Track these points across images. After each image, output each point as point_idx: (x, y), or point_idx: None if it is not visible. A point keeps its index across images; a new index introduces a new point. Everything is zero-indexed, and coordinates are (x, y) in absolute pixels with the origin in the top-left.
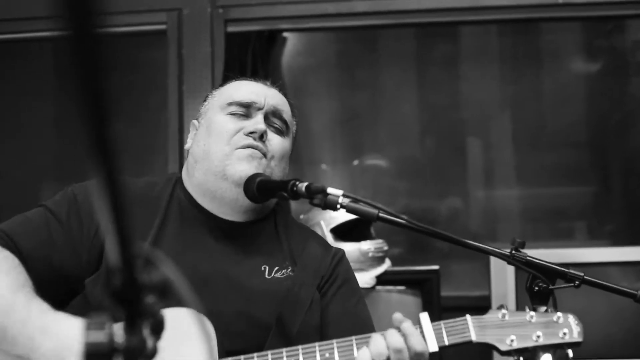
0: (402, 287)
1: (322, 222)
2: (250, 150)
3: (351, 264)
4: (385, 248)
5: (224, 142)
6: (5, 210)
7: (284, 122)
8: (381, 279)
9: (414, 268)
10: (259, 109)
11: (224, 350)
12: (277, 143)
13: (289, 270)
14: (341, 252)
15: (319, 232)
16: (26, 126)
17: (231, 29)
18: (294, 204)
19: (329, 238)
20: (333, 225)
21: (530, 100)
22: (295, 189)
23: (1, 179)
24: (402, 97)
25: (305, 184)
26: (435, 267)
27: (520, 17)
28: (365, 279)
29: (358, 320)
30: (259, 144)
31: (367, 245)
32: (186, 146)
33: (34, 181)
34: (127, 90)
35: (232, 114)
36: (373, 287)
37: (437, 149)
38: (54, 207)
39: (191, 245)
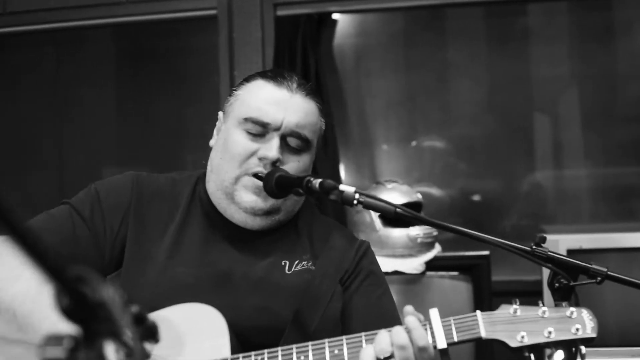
0: (454, 273)
1: None
2: (258, 183)
3: (400, 250)
4: (435, 233)
5: (236, 164)
6: (69, 195)
7: (304, 139)
8: (431, 265)
9: (464, 253)
10: (276, 129)
11: (240, 345)
12: (291, 166)
13: (310, 264)
14: (366, 245)
15: (367, 218)
16: (89, 112)
17: (281, 12)
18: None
19: (378, 224)
20: None
21: (599, 76)
22: (309, 185)
23: (65, 164)
24: (461, 76)
25: (319, 180)
26: (486, 252)
27: None
28: (414, 264)
29: (382, 313)
30: (269, 170)
31: (415, 231)
32: (211, 142)
33: (96, 166)
34: (180, 76)
35: (247, 131)
36: (423, 273)
37: (500, 127)
38: (78, 204)
39: (212, 243)
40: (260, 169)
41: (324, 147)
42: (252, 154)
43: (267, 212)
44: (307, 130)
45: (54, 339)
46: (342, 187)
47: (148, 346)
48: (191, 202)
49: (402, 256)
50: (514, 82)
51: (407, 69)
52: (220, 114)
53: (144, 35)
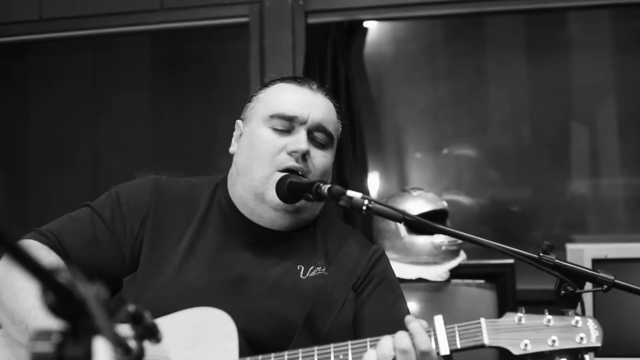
0: (480, 281)
1: None
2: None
3: (424, 257)
4: (460, 241)
5: (266, 162)
6: None
7: (328, 134)
8: (456, 273)
9: (489, 262)
10: (302, 123)
11: (251, 349)
12: (319, 160)
13: (324, 269)
14: (380, 251)
15: (392, 225)
16: (124, 116)
17: (312, 20)
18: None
19: (402, 231)
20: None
21: (638, 86)
22: (319, 190)
23: (100, 168)
24: (497, 84)
25: (328, 186)
26: (511, 260)
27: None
28: (438, 272)
29: (394, 320)
30: (301, 165)
31: (440, 239)
32: (231, 149)
33: (130, 170)
34: (213, 82)
35: (274, 128)
36: (448, 281)
37: (536, 136)
38: (99, 207)
39: (228, 247)
40: (292, 163)
41: (353, 153)
42: (281, 149)
43: (297, 210)
44: (330, 127)
45: (42, 334)
46: (349, 192)
47: (149, 345)
48: (209, 207)
49: (427, 263)
50: (551, 90)
51: (440, 77)
52: (238, 122)
53: (179, 42)
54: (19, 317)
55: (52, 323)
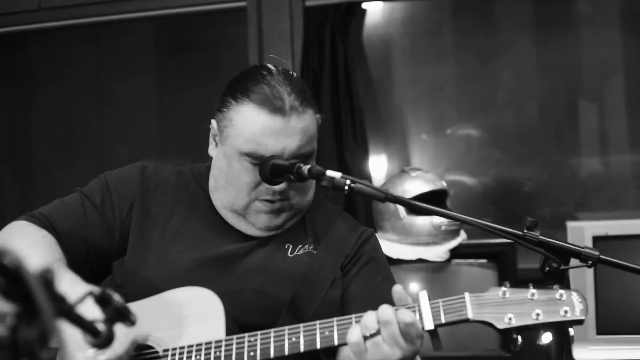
0: (481, 260)
1: None
2: (270, 206)
3: (424, 237)
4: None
5: (245, 193)
6: None
7: (307, 155)
8: (456, 253)
9: (490, 241)
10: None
11: (239, 328)
12: (297, 186)
13: (311, 248)
14: (368, 232)
15: (392, 206)
16: (128, 103)
17: (309, 3)
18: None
19: (402, 212)
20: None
21: None
22: (299, 171)
23: (106, 155)
24: (502, 63)
25: (308, 166)
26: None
27: None
28: (438, 252)
29: (380, 300)
30: (281, 201)
31: (440, 219)
32: (210, 151)
33: (136, 157)
34: (215, 68)
35: (250, 162)
36: (448, 261)
37: (543, 114)
38: (90, 192)
39: (214, 229)
40: (270, 197)
41: (353, 136)
42: (259, 183)
43: (281, 225)
44: (308, 146)
45: None
46: (329, 172)
47: (124, 328)
48: (195, 192)
49: (427, 244)
50: (558, 68)
51: (444, 56)
52: (213, 122)
53: (183, 28)
54: None
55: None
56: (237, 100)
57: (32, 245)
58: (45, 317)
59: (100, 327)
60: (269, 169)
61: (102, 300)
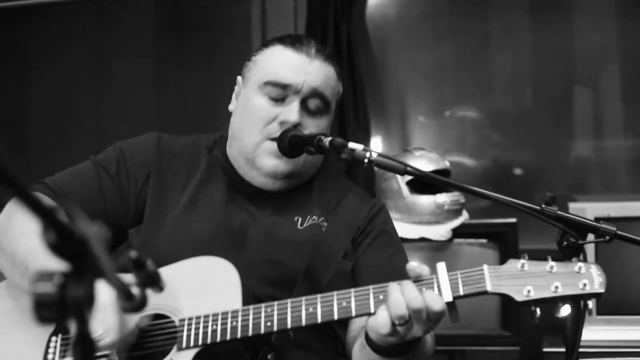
0: (482, 240)
1: (398, 175)
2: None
3: (427, 216)
4: (462, 201)
5: (257, 130)
6: None
7: (324, 101)
8: (458, 232)
9: (492, 221)
10: (296, 92)
11: (253, 297)
12: (310, 130)
13: (322, 220)
14: (380, 204)
15: (395, 185)
16: (127, 81)
17: None
18: None
19: (405, 191)
20: (409, 178)
21: None
22: (320, 143)
23: (103, 132)
24: (500, 47)
25: (329, 138)
26: (513, 220)
27: None
28: (440, 231)
29: (393, 272)
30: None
31: (443, 198)
32: (230, 107)
33: (133, 134)
34: (216, 47)
35: (268, 96)
36: (450, 240)
37: (539, 99)
38: (104, 161)
39: (229, 201)
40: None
41: (355, 117)
42: (273, 119)
43: (288, 175)
44: (327, 92)
45: (44, 275)
46: (351, 144)
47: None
48: (210, 162)
49: (429, 223)
50: (555, 53)
51: (442, 39)
52: (239, 78)
53: (183, 6)
54: (19, 259)
55: (53, 263)
56: (267, 45)
57: (29, 221)
58: (107, 275)
59: (134, 291)
60: (288, 140)
61: (138, 264)
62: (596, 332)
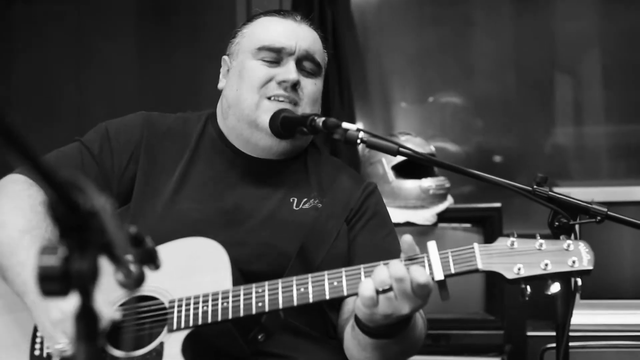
0: (466, 225)
1: (383, 159)
2: (276, 103)
3: (412, 201)
4: (447, 185)
5: (255, 90)
6: None
7: (316, 63)
8: (443, 217)
9: (476, 205)
10: (290, 54)
11: (244, 279)
12: (310, 89)
13: (317, 201)
14: (372, 186)
15: (380, 170)
16: (109, 64)
17: None
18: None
19: (390, 175)
20: (394, 162)
21: (623, 34)
22: (313, 124)
23: (85, 115)
24: (481, 32)
25: (323, 119)
26: (498, 204)
27: None
28: (425, 216)
29: (385, 253)
30: (290, 94)
31: (428, 183)
32: (219, 85)
33: (117, 116)
34: (200, 28)
35: (263, 60)
36: (435, 225)
37: (520, 84)
38: (88, 142)
39: (220, 179)
40: (281, 92)
41: (340, 103)
42: (271, 79)
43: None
44: (317, 55)
45: (49, 249)
46: (345, 124)
47: (147, 271)
48: (200, 140)
49: (414, 207)
50: (537, 39)
51: (425, 25)
52: (224, 57)
53: None
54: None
55: (26, 258)
56: (251, 19)
57: (8, 212)
58: (118, 249)
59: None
60: (280, 121)
61: (136, 240)
62: (579, 316)
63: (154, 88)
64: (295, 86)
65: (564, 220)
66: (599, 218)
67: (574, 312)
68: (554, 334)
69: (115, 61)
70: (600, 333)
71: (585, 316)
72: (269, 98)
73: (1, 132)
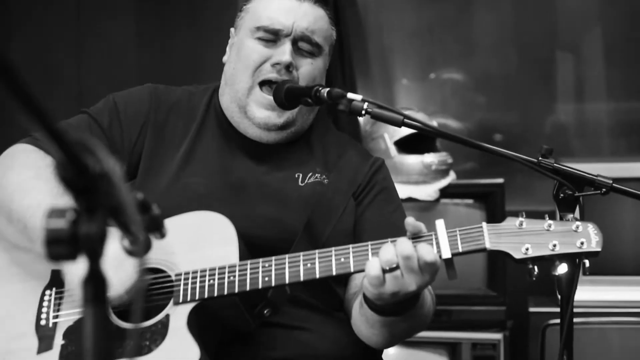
0: (469, 201)
1: (385, 135)
2: (270, 99)
3: (414, 176)
4: (450, 161)
5: (249, 72)
6: None
7: (315, 44)
8: (446, 192)
9: (479, 181)
10: (287, 35)
11: (250, 254)
12: (305, 69)
13: (323, 177)
14: (380, 161)
15: (382, 145)
16: (109, 42)
17: None
18: (361, 119)
19: (393, 150)
20: (397, 137)
21: (625, 11)
22: (318, 94)
23: (85, 94)
24: (483, 8)
25: (327, 89)
26: (500, 180)
27: None
28: (428, 191)
29: (394, 229)
30: (283, 76)
31: (430, 158)
32: (224, 58)
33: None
34: (200, 7)
35: (259, 38)
36: (437, 200)
37: (522, 61)
38: (96, 114)
39: (226, 154)
40: (274, 75)
41: (342, 80)
42: (265, 60)
43: (281, 127)
44: (317, 35)
45: (57, 212)
46: (350, 95)
47: (154, 241)
48: (206, 114)
49: (417, 183)
50: (538, 15)
51: (426, 1)
52: (232, 30)
53: None
54: (16, 215)
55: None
56: None
57: (34, 177)
58: (127, 212)
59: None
60: (285, 92)
61: (144, 206)
62: (581, 293)
63: (153, 64)
64: (289, 68)
65: (568, 192)
66: (604, 190)
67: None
68: (556, 310)
69: (114, 37)
70: (602, 309)
71: (588, 292)
72: (262, 86)
73: (15, 89)
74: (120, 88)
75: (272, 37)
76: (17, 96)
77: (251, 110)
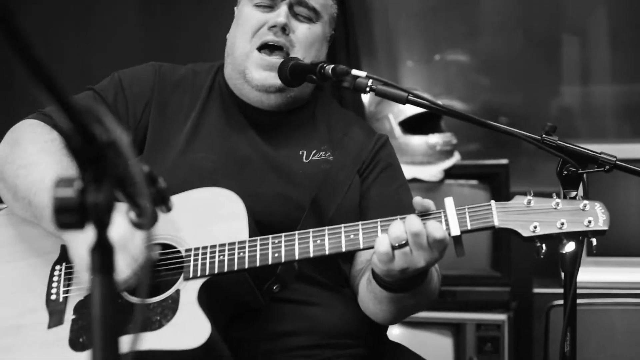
0: (473, 181)
1: (390, 115)
2: (267, 60)
3: (419, 157)
4: (454, 142)
5: (247, 38)
6: None
7: (312, 9)
8: (451, 173)
9: (483, 162)
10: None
11: (259, 230)
12: (302, 32)
13: (328, 154)
14: (384, 138)
15: (387, 125)
16: (113, 27)
17: None
18: (364, 98)
19: (397, 131)
20: (401, 118)
21: None
22: (322, 71)
23: (88, 73)
24: None
25: (332, 66)
26: (505, 161)
27: None
28: (432, 172)
29: (399, 205)
30: (280, 38)
31: (435, 139)
32: (227, 35)
33: None
34: None
35: (257, 5)
36: (442, 181)
37: (527, 43)
38: (102, 90)
39: (231, 130)
40: (271, 37)
41: (347, 61)
42: (263, 24)
43: (280, 89)
44: (313, 1)
45: (64, 181)
46: (354, 72)
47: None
48: (211, 90)
49: (421, 163)
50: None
51: None
52: (235, 8)
53: None
54: (21, 192)
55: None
56: None
57: (40, 151)
58: (134, 182)
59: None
60: (290, 68)
61: (150, 179)
62: (585, 274)
63: (157, 44)
64: (285, 30)
65: (572, 169)
66: (607, 167)
67: (580, 269)
68: (560, 291)
69: (118, 17)
70: (606, 290)
71: (592, 274)
72: (260, 49)
73: (26, 58)
74: (124, 66)
75: (269, 2)
76: (27, 63)
77: (250, 72)
